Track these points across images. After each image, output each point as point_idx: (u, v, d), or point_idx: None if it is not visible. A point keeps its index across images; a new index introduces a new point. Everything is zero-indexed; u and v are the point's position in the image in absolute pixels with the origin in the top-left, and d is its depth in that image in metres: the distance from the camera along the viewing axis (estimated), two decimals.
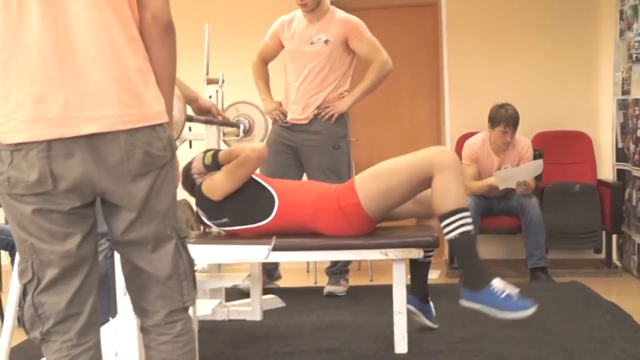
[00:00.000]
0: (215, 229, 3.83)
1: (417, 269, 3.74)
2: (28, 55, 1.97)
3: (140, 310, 2.24)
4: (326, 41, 5.02)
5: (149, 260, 2.16)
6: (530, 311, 3.19)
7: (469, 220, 3.29)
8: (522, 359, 3.60)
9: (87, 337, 2.15)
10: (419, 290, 3.94)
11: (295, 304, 4.91)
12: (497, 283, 3.26)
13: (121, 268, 2.28)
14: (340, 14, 5.08)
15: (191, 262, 2.26)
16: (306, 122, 5.13)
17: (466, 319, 4.36)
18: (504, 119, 5.73)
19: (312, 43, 5.05)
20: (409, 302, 3.69)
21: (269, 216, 3.64)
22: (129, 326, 3.02)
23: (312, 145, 5.13)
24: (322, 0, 5.03)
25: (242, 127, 4.38)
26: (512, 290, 3.23)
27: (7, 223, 5.99)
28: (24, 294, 2.14)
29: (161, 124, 2.11)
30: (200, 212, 3.74)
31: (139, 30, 2.12)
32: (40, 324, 2.11)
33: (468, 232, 3.28)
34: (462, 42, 6.88)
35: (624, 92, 6.12)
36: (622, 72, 6.14)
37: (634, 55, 5.84)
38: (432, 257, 3.89)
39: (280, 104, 5.22)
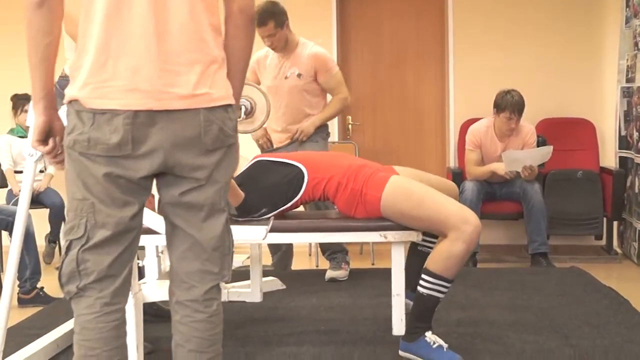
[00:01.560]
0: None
1: (417, 259, 3.71)
2: (130, 29, 2.10)
3: (179, 282, 2.31)
4: (299, 75, 5.14)
5: (199, 228, 2.26)
6: None
7: (446, 290, 3.34)
8: (519, 343, 3.60)
9: (119, 298, 2.25)
10: (416, 282, 3.92)
11: (296, 287, 4.91)
12: (430, 335, 3.37)
13: (166, 236, 2.35)
14: (310, 48, 5.17)
15: (233, 242, 2.35)
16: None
17: (464, 302, 4.39)
18: (509, 105, 5.73)
19: (285, 77, 5.17)
20: (408, 297, 3.68)
21: (300, 190, 3.62)
22: (129, 303, 3.03)
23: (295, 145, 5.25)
24: (290, 37, 5.13)
25: (243, 108, 4.35)
26: (443, 343, 3.35)
27: (7, 203, 6.04)
28: (67, 248, 2.20)
29: (231, 105, 2.27)
30: (239, 219, 3.66)
31: (224, 20, 2.30)
32: (78, 279, 2.18)
33: (437, 298, 3.35)
34: (467, 28, 6.88)
35: (628, 80, 6.11)
36: (627, 59, 6.13)
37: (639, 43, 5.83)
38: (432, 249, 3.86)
39: (266, 131, 5.31)
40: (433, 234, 3.65)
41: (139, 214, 2.24)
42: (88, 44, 2.12)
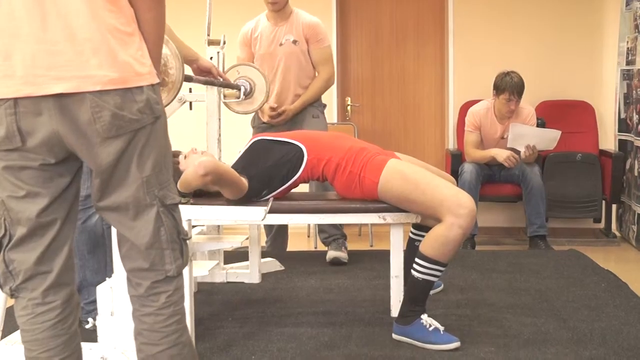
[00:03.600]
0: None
1: (413, 254, 3.68)
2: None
3: (127, 279, 2.21)
4: (294, 41, 5.12)
5: (130, 227, 2.11)
6: (453, 345, 3.31)
7: (439, 274, 3.37)
8: (517, 325, 3.61)
9: (54, 296, 2.14)
10: None
11: (294, 268, 4.93)
12: (426, 318, 3.39)
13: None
14: (304, 16, 5.15)
15: (177, 230, 2.17)
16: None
17: (463, 284, 4.40)
18: (508, 86, 5.70)
19: (280, 44, 5.13)
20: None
21: (299, 169, 3.61)
22: (122, 280, 3.03)
23: (293, 122, 5.21)
24: (288, 2, 5.12)
25: (242, 89, 4.37)
26: (439, 326, 3.37)
27: None
28: None
29: (139, 87, 2.02)
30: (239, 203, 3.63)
31: None
32: (11, 279, 2.12)
33: (432, 282, 3.37)
34: (467, 9, 6.84)
35: (628, 63, 6.09)
36: (627, 42, 6.11)
37: None
38: None
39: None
40: (425, 228, 3.64)
41: (56, 205, 2.10)
42: None
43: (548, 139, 5.76)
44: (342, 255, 5.11)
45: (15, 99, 1.93)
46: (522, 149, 5.69)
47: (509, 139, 5.73)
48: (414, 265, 3.34)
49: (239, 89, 4.36)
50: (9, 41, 1.94)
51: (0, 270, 2.12)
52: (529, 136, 5.70)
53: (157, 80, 2.09)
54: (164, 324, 2.16)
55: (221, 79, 3.82)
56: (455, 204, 3.25)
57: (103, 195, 2.09)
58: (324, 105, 5.42)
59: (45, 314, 2.13)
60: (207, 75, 3.65)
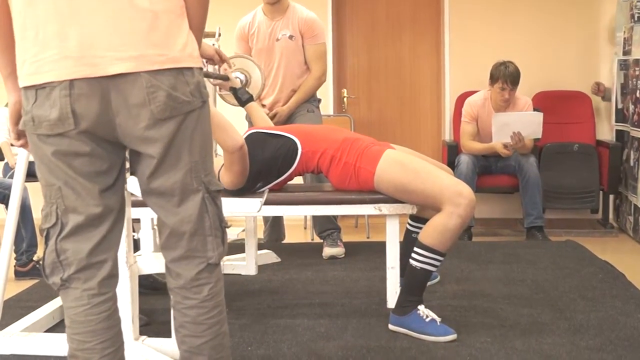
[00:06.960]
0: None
1: (410, 247, 3.68)
2: None
3: (168, 270, 2.22)
4: (291, 37, 5.10)
5: (174, 213, 2.13)
6: (450, 337, 3.29)
7: (438, 264, 3.35)
8: (514, 316, 3.61)
9: (108, 288, 2.14)
10: None
11: (291, 260, 4.93)
12: (423, 309, 3.37)
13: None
14: (301, 11, 5.13)
15: (220, 217, 2.20)
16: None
17: (459, 275, 4.40)
18: (502, 75, 5.69)
19: (277, 39, 5.12)
20: (401, 284, 3.66)
21: (294, 163, 3.61)
22: (122, 273, 3.02)
23: (288, 116, 5.21)
24: None
25: (238, 81, 4.34)
26: (436, 317, 3.35)
27: (4, 176, 6.03)
28: (46, 238, 2.10)
29: (191, 68, 2.06)
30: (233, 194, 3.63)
31: None
32: (61, 270, 2.09)
33: (430, 272, 3.36)
34: (463, 1, 6.83)
35: (625, 53, 6.09)
36: (624, 32, 6.10)
37: (636, 15, 5.79)
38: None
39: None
40: (422, 220, 3.63)
41: (111, 193, 2.12)
42: (16, 21, 2.00)
43: (532, 123, 5.68)
44: (338, 251, 5.07)
45: (72, 80, 1.93)
46: (508, 139, 5.67)
47: (493, 132, 5.70)
48: (413, 255, 3.33)
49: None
50: (68, 23, 1.94)
51: (50, 260, 2.10)
52: (512, 124, 5.65)
53: (200, 64, 2.12)
54: (207, 315, 2.18)
55: (226, 65, 3.78)
56: (456, 194, 3.25)
57: (152, 178, 2.10)
58: (319, 100, 5.39)
59: (102, 305, 2.12)
60: (209, 62, 3.64)
